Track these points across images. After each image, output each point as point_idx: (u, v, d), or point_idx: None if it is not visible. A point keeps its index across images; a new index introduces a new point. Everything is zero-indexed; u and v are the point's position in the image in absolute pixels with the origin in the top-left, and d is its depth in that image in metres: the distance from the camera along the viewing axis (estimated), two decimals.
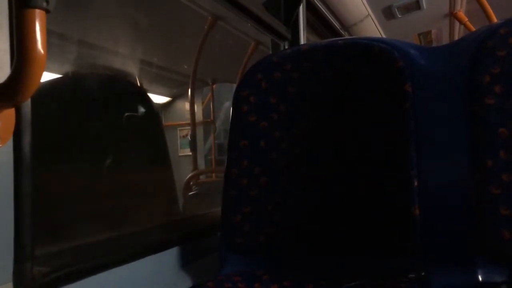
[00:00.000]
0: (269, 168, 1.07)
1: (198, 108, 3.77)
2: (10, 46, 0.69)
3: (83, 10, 1.95)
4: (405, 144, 0.95)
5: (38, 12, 0.58)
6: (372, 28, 2.91)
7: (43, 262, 0.78)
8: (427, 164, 0.94)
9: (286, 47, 1.93)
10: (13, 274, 0.71)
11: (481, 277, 0.87)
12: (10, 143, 0.70)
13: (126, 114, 1.53)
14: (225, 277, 1.00)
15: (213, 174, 3.79)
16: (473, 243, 0.89)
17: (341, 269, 1.00)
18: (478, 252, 0.89)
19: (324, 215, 1.04)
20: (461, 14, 2.99)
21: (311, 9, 2.25)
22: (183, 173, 3.23)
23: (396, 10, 2.86)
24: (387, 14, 2.90)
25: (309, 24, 2.16)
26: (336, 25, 2.64)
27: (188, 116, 3.41)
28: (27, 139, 0.73)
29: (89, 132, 1.34)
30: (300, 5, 1.94)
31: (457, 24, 3.23)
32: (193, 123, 3.27)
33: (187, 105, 3.58)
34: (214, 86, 4.13)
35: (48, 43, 0.60)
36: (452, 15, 3.01)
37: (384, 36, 3.09)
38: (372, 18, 2.85)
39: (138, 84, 2.35)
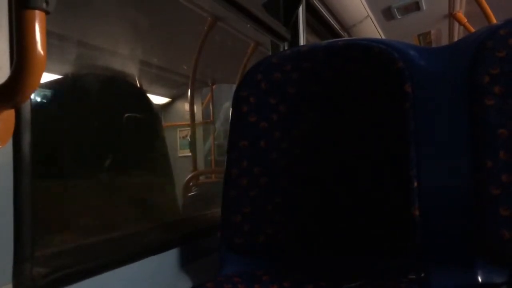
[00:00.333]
0: (269, 168, 1.07)
1: (197, 109, 3.78)
2: (9, 47, 0.69)
3: (83, 10, 1.96)
4: (404, 144, 0.95)
5: (38, 13, 0.58)
6: (371, 29, 2.92)
7: (43, 263, 0.79)
8: (427, 164, 0.94)
9: (286, 48, 1.93)
10: (12, 275, 0.71)
11: (481, 278, 0.87)
12: (9, 144, 0.70)
13: (126, 115, 1.53)
14: (225, 277, 0.99)
15: (213, 175, 3.79)
16: (473, 244, 0.89)
17: (341, 269, 1.00)
18: (478, 253, 0.89)
19: (324, 216, 1.04)
20: (461, 15, 2.99)
21: (311, 10, 2.25)
22: (183, 174, 3.23)
23: (395, 11, 2.86)
24: (387, 15, 2.91)
25: (308, 25, 2.16)
26: (336, 26, 2.64)
27: (187, 116, 3.41)
28: (26, 140, 0.73)
29: (87, 133, 1.34)
30: (299, 6, 1.94)
31: (456, 25, 3.23)
32: (193, 124, 3.27)
33: (186, 106, 3.58)
34: (213, 86, 4.14)
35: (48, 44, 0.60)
36: (451, 16, 3.02)
37: (383, 37, 3.09)
38: (371, 19, 2.85)
39: (138, 85, 2.35)
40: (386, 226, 0.97)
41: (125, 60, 2.26)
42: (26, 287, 0.73)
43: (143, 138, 1.60)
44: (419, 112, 0.96)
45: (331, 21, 2.56)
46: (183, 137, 4.09)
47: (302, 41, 1.97)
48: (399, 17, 2.93)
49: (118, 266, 0.93)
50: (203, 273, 1.15)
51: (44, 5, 0.58)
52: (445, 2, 2.90)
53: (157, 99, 4.01)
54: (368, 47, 1.03)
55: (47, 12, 0.59)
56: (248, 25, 1.76)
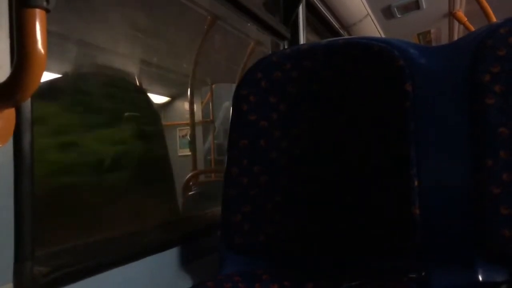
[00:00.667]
0: (269, 167, 1.07)
1: (197, 108, 3.77)
2: (10, 45, 0.69)
3: (83, 11, 1.95)
4: (405, 143, 0.95)
5: (38, 12, 0.58)
6: (371, 27, 2.92)
7: (43, 262, 0.78)
8: (427, 163, 0.94)
9: (286, 46, 1.93)
10: (13, 275, 0.71)
11: (481, 277, 0.87)
12: (10, 143, 0.70)
13: (125, 113, 1.53)
14: (225, 277, 0.99)
15: (213, 174, 3.79)
16: (473, 243, 0.89)
17: (341, 269, 1.00)
18: (478, 252, 0.89)
19: (324, 215, 1.04)
20: (461, 14, 2.99)
21: (311, 9, 2.25)
22: (182, 173, 3.22)
23: (395, 10, 2.86)
24: (387, 14, 2.91)
25: (308, 24, 2.16)
26: (336, 25, 2.64)
27: (187, 116, 3.41)
28: (27, 139, 0.73)
29: (88, 132, 1.34)
30: (299, 5, 1.94)
31: (456, 24, 3.23)
32: (193, 123, 3.27)
33: (186, 105, 3.58)
34: (213, 86, 4.13)
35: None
36: (451, 15, 3.02)
37: (383, 35, 3.09)
38: (371, 18, 2.85)
39: (138, 83, 2.35)
40: (386, 225, 0.97)
41: (124, 59, 2.26)
42: (27, 286, 0.73)
43: (142, 137, 1.60)
44: (419, 111, 0.95)
45: (331, 19, 2.56)
46: (183, 136, 4.09)
47: (302, 40, 1.97)
48: (399, 16, 2.93)
49: (119, 265, 0.93)
50: (203, 272, 1.15)
51: (44, 3, 0.58)
52: (445, 1, 2.90)
53: (157, 98, 4.01)
54: (368, 45, 1.03)
55: (47, 11, 0.59)
56: (248, 24, 1.76)
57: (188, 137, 3.54)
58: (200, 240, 1.24)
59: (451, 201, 0.92)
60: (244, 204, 1.05)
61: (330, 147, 1.06)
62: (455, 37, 3.45)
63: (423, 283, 0.90)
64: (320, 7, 2.37)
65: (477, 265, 0.88)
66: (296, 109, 1.09)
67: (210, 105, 4.15)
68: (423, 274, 0.91)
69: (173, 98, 4.16)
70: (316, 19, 2.45)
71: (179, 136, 4.14)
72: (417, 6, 2.86)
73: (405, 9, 2.88)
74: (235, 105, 1.11)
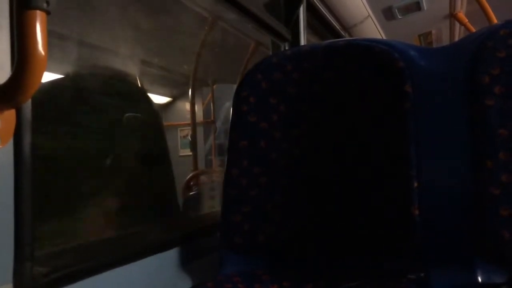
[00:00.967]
0: (268, 168, 1.07)
1: (198, 108, 3.77)
2: (10, 47, 0.69)
3: (85, 12, 1.96)
4: (405, 144, 0.95)
5: (38, 13, 0.58)
6: (372, 29, 2.91)
7: (43, 262, 0.79)
8: (427, 164, 0.94)
9: (287, 48, 1.93)
10: (13, 275, 0.71)
11: (481, 278, 0.87)
12: (10, 144, 0.70)
13: (127, 114, 1.54)
14: (224, 277, 1.00)
15: (214, 174, 3.79)
16: (473, 244, 0.89)
17: (341, 269, 1.00)
18: (478, 253, 0.89)
19: (324, 215, 1.04)
20: (461, 15, 2.99)
21: (312, 10, 2.25)
22: (183, 173, 3.23)
23: (396, 11, 2.86)
24: (388, 15, 2.90)
25: (309, 25, 2.16)
26: (337, 26, 2.64)
27: (188, 116, 3.41)
28: (27, 139, 0.73)
29: (88, 132, 1.34)
30: (300, 6, 1.94)
31: (457, 25, 3.23)
32: (194, 123, 3.27)
33: (187, 105, 3.58)
34: (214, 86, 4.14)
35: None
36: (452, 16, 3.01)
37: (384, 37, 3.09)
38: (372, 19, 2.85)
39: (139, 84, 2.35)
40: (385, 226, 0.97)
41: (125, 59, 2.27)
42: (27, 286, 0.73)
43: (143, 137, 1.60)
44: (419, 112, 0.96)
45: (332, 21, 2.56)
46: (184, 137, 4.09)
47: (302, 41, 1.97)
48: (400, 17, 2.93)
49: (119, 266, 0.93)
50: (203, 273, 1.15)
51: (44, 5, 0.58)
52: (446, 2, 2.90)
53: (158, 99, 4.01)
54: (368, 47, 1.03)
55: (47, 12, 0.59)
56: (249, 25, 1.76)
57: (189, 138, 3.54)
58: (200, 241, 1.24)
59: (451, 202, 0.92)
60: (244, 205, 1.06)
61: (330, 148, 1.06)
62: (456, 38, 3.45)
63: (423, 284, 0.91)
64: (321, 8, 2.37)
65: (476, 266, 0.88)
66: (296, 110, 1.09)
67: (211, 105, 4.16)
68: (422, 275, 0.92)
69: (174, 98, 4.17)
70: (317, 20, 2.45)
71: (180, 137, 4.14)
72: (418, 7, 2.86)
73: (406, 10, 2.88)
74: (235, 106, 1.11)
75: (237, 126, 1.10)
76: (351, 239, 1.01)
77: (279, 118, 1.09)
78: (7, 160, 0.70)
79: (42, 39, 0.59)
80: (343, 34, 2.74)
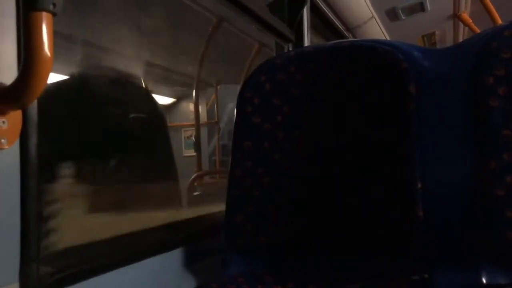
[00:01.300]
0: (272, 169, 1.07)
1: (202, 109, 3.78)
2: (17, 48, 0.69)
3: (87, 13, 1.97)
4: (408, 145, 0.95)
5: (45, 15, 0.58)
6: (376, 29, 2.91)
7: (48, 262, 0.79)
8: (431, 165, 0.94)
9: (290, 49, 1.93)
10: (19, 275, 0.71)
11: (485, 279, 0.87)
12: (16, 144, 0.71)
13: (131, 115, 1.54)
14: (228, 278, 1.00)
15: (217, 175, 3.80)
16: (477, 245, 0.89)
17: (344, 270, 1.00)
18: (482, 254, 0.89)
19: (327, 216, 1.04)
20: (465, 16, 2.98)
21: (315, 11, 2.25)
22: (187, 174, 3.23)
23: (400, 11, 2.85)
24: (391, 15, 2.90)
25: (313, 26, 2.16)
26: (340, 27, 2.64)
27: (192, 117, 3.42)
28: (33, 140, 0.73)
29: (93, 133, 1.35)
30: (304, 7, 1.94)
31: (461, 25, 3.22)
32: (198, 124, 3.28)
33: (191, 106, 3.59)
34: (218, 87, 4.14)
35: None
36: (456, 17, 3.00)
37: (388, 37, 3.09)
38: (376, 20, 2.85)
39: (143, 85, 2.36)
40: (389, 227, 0.97)
41: (130, 60, 2.27)
42: (33, 286, 0.73)
43: (147, 137, 1.61)
44: (423, 113, 0.96)
45: (336, 22, 2.56)
46: (188, 137, 4.10)
47: (306, 42, 1.97)
48: (403, 17, 2.93)
49: (123, 266, 0.94)
50: (207, 273, 1.15)
51: (51, 7, 0.59)
52: (449, 2, 2.89)
53: (162, 99, 4.02)
54: (372, 48, 1.03)
55: (54, 14, 0.60)
56: (253, 26, 1.76)
57: (193, 138, 3.55)
58: (204, 241, 1.24)
59: (455, 203, 0.92)
60: (247, 206, 1.06)
61: (334, 149, 1.06)
62: (460, 39, 3.44)
63: (426, 285, 0.90)
64: (325, 9, 2.37)
65: (481, 268, 0.88)
66: (300, 111, 1.09)
67: (215, 106, 4.16)
68: (426, 275, 0.92)
69: (178, 99, 4.18)
70: (320, 21, 2.45)
71: (184, 137, 4.15)
72: (421, 8, 2.85)
73: (410, 11, 2.87)
74: (239, 107, 1.11)
75: (241, 127, 1.10)
76: (354, 240, 1.01)
77: (283, 119, 1.09)
78: (13, 160, 0.71)
79: (48, 40, 0.59)
80: (346, 34, 2.74)
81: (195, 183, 3.15)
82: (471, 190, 0.89)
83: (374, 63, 1.02)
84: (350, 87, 1.06)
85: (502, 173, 0.86)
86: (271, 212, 1.05)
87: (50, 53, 0.60)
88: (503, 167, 0.86)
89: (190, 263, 1.15)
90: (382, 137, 1.01)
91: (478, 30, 2.85)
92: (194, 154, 3.44)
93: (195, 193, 2.99)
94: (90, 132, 1.31)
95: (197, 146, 3.32)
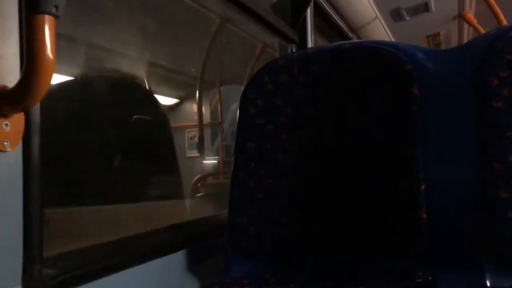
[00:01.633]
0: (275, 170, 1.07)
1: (205, 110, 3.79)
2: (19, 51, 0.70)
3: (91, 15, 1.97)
4: (412, 147, 0.95)
5: (47, 18, 0.58)
6: (380, 30, 2.90)
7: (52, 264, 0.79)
8: (434, 167, 0.93)
9: (294, 49, 1.93)
10: (22, 277, 0.71)
11: (489, 282, 0.87)
12: (19, 147, 0.71)
13: (135, 116, 1.55)
14: (231, 280, 1.00)
15: (221, 176, 3.80)
16: (481, 247, 0.88)
17: (347, 272, 0.99)
18: (486, 256, 0.88)
19: (330, 217, 1.04)
20: (470, 16, 2.96)
21: (319, 12, 2.25)
22: (190, 175, 3.24)
23: (404, 12, 2.84)
24: (395, 16, 2.89)
25: (316, 27, 2.16)
26: (344, 28, 2.63)
27: (195, 117, 3.42)
28: (36, 142, 0.74)
29: (97, 133, 1.35)
30: (307, 8, 1.94)
31: (466, 26, 3.21)
32: (201, 125, 3.28)
33: (195, 107, 3.60)
34: (221, 87, 4.15)
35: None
36: (461, 17, 2.99)
37: (392, 38, 3.08)
38: (380, 20, 2.84)
39: (147, 86, 2.36)
40: (393, 228, 0.97)
41: (134, 61, 2.28)
42: None
43: (151, 138, 1.61)
44: (426, 114, 0.95)
45: (339, 22, 2.55)
46: (191, 138, 4.11)
47: (310, 43, 1.97)
48: (407, 18, 2.92)
49: (126, 268, 0.94)
50: (209, 275, 1.15)
51: (53, 10, 0.59)
52: (454, 3, 2.88)
53: (166, 100, 4.03)
54: (375, 49, 1.03)
55: (56, 17, 0.60)
56: (256, 27, 1.76)
57: (196, 139, 3.56)
58: (207, 243, 1.24)
59: (459, 205, 0.91)
60: (250, 207, 1.06)
61: (337, 150, 1.06)
62: (465, 39, 3.43)
63: (430, 287, 0.90)
64: (328, 10, 2.37)
65: (485, 270, 0.88)
66: (303, 112, 1.09)
67: (219, 107, 4.17)
68: (430, 278, 0.91)
69: (182, 99, 4.18)
70: (324, 22, 2.45)
71: (188, 138, 4.16)
72: (426, 8, 2.84)
73: (414, 11, 2.86)
74: (242, 109, 1.11)
75: (244, 128, 1.10)
76: (357, 242, 1.01)
77: (286, 120, 1.09)
78: (16, 162, 0.71)
79: (51, 43, 0.59)
80: (350, 35, 2.74)
81: (198, 184, 3.16)
82: (475, 192, 0.89)
83: (377, 64, 1.02)
84: (353, 89, 1.06)
85: (507, 175, 0.86)
86: (274, 214, 1.05)
87: (53, 56, 0.60)
88: (507, 169, 0.86)
89: (193, 265, 1.15)
90: (385, 139, 1.01)
91: (483, 31, 2.84)
92: (198, 155, 3.44)
93: (199, 194, 2.99)
94: (91, 133, 1.32)
95: (200, 146, 3.33)
